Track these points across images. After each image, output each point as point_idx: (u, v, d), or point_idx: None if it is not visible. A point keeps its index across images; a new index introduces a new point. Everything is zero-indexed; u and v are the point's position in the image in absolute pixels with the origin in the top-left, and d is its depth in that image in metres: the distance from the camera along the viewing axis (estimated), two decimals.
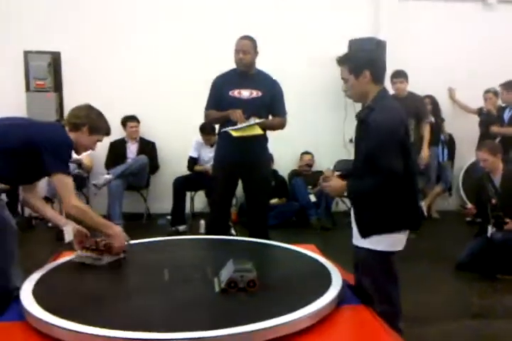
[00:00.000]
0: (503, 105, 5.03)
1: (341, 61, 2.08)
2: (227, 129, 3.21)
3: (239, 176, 3.47)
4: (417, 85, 4.96)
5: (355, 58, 2.07)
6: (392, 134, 1.93)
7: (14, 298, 1.79)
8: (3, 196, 2.32)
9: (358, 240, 2.09)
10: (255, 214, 3.55)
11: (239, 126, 3.16)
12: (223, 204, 3.56)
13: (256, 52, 3.35)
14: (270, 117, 3.43)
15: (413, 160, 2.09)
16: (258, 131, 3.21)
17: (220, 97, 3.36)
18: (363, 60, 2.05)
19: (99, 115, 2.23)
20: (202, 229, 4.47)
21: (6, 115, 4.83)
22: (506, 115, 4.90)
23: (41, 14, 4.98)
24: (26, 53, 4.94)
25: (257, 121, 3.21)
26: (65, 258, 2.22)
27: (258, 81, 3.37)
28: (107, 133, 2.28)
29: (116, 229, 2.18)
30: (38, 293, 1.74)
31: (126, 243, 2.19)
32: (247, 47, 3.28)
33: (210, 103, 3.44)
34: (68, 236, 2.25)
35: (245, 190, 3.58)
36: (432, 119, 5.16)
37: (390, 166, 1.90)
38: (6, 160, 2.04)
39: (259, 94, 3.34)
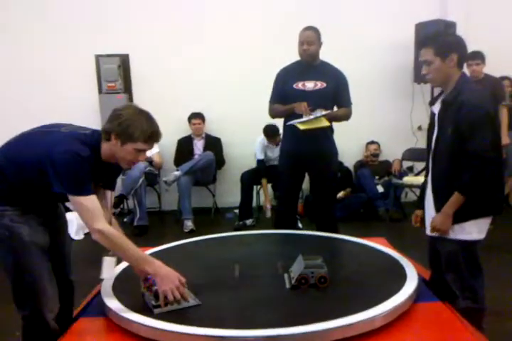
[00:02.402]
0: None
1: (427, 42, 2.00)
2: (293, 122, 3.18)
3: (305, 169, 3.45)
4: (493, 67, 4.66)
5: (443, 40, 2.01)
6: (485, 116, 1.88)
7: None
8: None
9: None
10: (322, 207, 3.51)
11: (305, 118, 3.13)
12: (290, 198, 3.54)
13: (320, 43, 3.31)
14: (335, 108, 3.37)
15: (500, 141, 1.99)
16: (324, 123, 3.16)
17: (284, 90, 3.35)
18: (452, 42, 1.99)
19: (135, 117, 1.73)
20: (268, 214, 4.54)
21: (81, 116, 5.10)
22: None
23: (109, 18, 5.17)
24: (97, 57, 5.17)
25: (323, 113, 3.15)
26: (146, 252, 2.25)
27: (322, 72, 3.33)
28: (148, 139, 1.75)
29: (158, 267, 1.69)
30: (118, 289, 1.81)
31: (178, 287, 1.64)
32: (311, 38, 3.24)
33: (274, 96, 3.43)
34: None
35: (312, 183, 3.56)
36: (510, 102, 4.84)
37: (482, 149, 1.85)
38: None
39: (324, 85, 3.29)
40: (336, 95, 3.33)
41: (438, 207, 2.01)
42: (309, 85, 3.29)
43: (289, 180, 3.47)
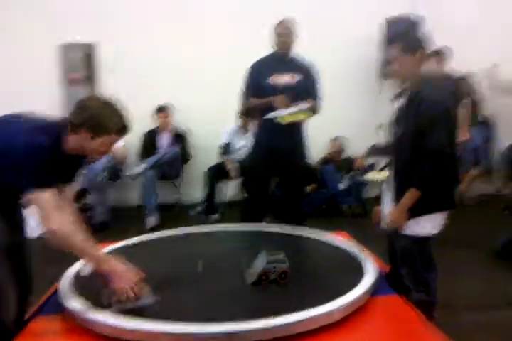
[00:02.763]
0: None
1: (395, 39, 2.06)
2: (275, 115, 3.13)
3: (278, 163, 3.42)
4: (457, 63, 4.78)
5: (410, 37, 2.05)
6: (445, 112, 1.94)
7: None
8: None
9: None
10: (292, 202, 3.54)
11: (288, 111, 3.10)
12: (261, 191, 3.55)
13: (296, 35, 3.32)
14: (307, 102, 3.31)
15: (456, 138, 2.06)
16: (304, 116, 3.16)
17: (258, 84, 3.32)
18: (418, 39, 2.02)
19: (105, 110, 1.69)
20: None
21: (42, 106, 4.96)
22: None
23: (75, 7, 5.02)
24: (61, 46, 5.02)
25: (306, 105, 3.16)
26: (106, 247, 2.21)
27: (296, 65, 3.35)
28: (121, 130, 1.72)
29: (114, 264, 1.65)
30: (76, 286, 1.78)
31: (135, 285, 1.62)
32: (289, 29, 3.27)
33: (249, 91, 3.39)
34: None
35: (283, 177, 3.56)
36: (470, 99, 4.98)
37: (439, 145, 1.90)
38: None
39: (298, 78, 3.31)
40: (308, 88, 3.35)
41: (397, 202, 2.07)
42: (285, 78, 3.30)
43: (261, 173, 3.47)
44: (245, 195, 4.33)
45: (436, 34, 4.85)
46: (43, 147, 1.61)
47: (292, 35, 3.29)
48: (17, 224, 1.93)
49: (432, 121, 1.92)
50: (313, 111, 3.34)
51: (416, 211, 2.00)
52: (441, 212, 2.05)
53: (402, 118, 2.09)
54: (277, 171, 3.49)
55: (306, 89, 3.33)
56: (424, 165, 1.94)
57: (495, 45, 5.23)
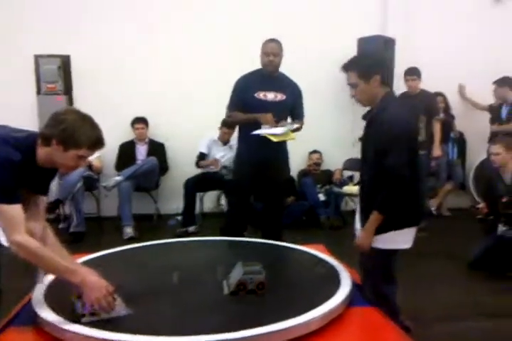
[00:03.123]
0: (499, 102, 5.01)
1: (350, 66, 2.07)
2: (263, 133, 3.16)
3: (260, 175, 3.46)
4: (427, 82, 4.92)
5: (364, 63, 2.08)
6: (402, 133, 1.96)
7: None
8: None
9: None
10: (272, 214, 3.58)
11: (279, 131, 3.14)
12: (244, 204, 3.59)
13: (282, 55, 3.38)
14: (289, 120, 3.45)
15: (418, 157, 2.10)
16: (292, 136, 3.25)
17: (243, 98, 3.38)
18: (372, 64, 2.06)
19: (80, 123, 1.66)
20: None
21: (18, 118, 4.89)
22: (503, 112, 4.91)
23: (50, 18, 5.01)
24: (37, 57, 4.99)
25: (295, 126, 3.27)
26: (81, 258, 2.18)
27: (281, 84, 3.43)
28: (93, 146, 1.69)
29: (84, 276, 1.62)
30: (49, 297, 1.75)
31: (107, 296, 1.60)
32: (276, 49, 3.33)
33: (234, 104, 3.43)
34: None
35: (264, 189, 3.59)
36: (442, 116, 5.12)
37: (397, 167, 1.93)
38: None
39: (283, 97, 3.40)
40: (293, 107, 3.45)
41: (363, 223, 2.10)
42: (270, 96, 3.38)
43: (244, 186, 3.51)
44: (226, 208, 4.37)
45: (405, 54, 5.12)
46: (13, 161, 1.60)
47: (279, 55, 3.34)
48: None
49: (390, 142, 1.95)
50: (299, 130, 3.43)
51: (381, 228, 2.03)
52: (409, 228, 2.09)
53: (365, 137, 2.14)
54: (259, 183, 3.53)
55: (292, 108, 3.43)
56: (384, 188, 1.97)
57: (460, 66, 5.41)
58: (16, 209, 1.60)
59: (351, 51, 5.17)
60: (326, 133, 5.52)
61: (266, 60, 3.33)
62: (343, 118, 5.48)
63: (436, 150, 4.83)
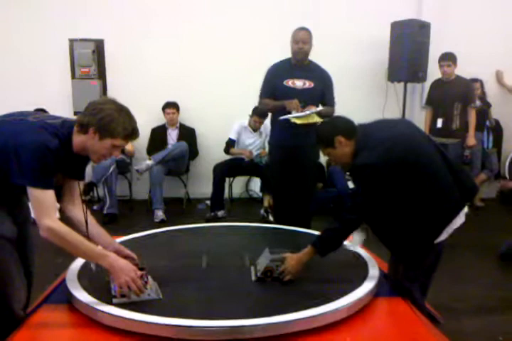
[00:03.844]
0: None
1: (317, 141, 2.11)
2: (288, 117, 3.29)
3: (292, 161, 3.57)
4: (464, 68, 4.78)
5: (321, 134, 2.09)
6: (369, 175, 1.86)
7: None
8: None
9: None
10: (301, 200, 3.63)
11: (301, 114, 3.26)
12: (283, 190, 3.67)
13: (312, 43, 3.46)
14: (320, 106, 3.50)
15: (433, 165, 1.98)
16: (317, 119, 3.31)
17: (273, 86, 3.48)
18: (327, 131, 2.06)
19: (117, 114, 1.70)
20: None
21: (52, 102, 4.98)
22: None
23: (84, 2, 5.06)
24: (71, 41, 5.05)
25: (318, 109, 3.33)
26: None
27: (311, 72, 3.51)
28: (128, 136, 1.74)
29: (112, 261, 1.67)
30: (83, 277, 1.81)
31: (134, 279, 1.64)
32: (306, 37, 3.41)
33: (265, 91, 3.55)
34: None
35: (295, 175, 3.66)
36: (478, 104, 4.97)
37: (351, 209, 1.92)
38: None
39: (312, 84, 3.48)
40: (322, 95, 3.51)
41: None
42: (298, 83, 3.46)
43: (280, 170, 3.62)
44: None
45: (441, 39, 4.96)
46: (50, 148, 1.63)
47: (308, 43, 3.42)
48: (23, 216, 1.95)
49: (357, 186, 1.98)
50: (329, 115, 3.43)
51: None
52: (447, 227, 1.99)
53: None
54: (291, 169, 3.62)
55: (318, 96, 3.50)
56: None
57: (498, 51, 5.24)
58: (48, 195, 1.64)
59: (385, 35, 5.07)
60: (356, 119, 5.42)
61: (296, 48, 3.41)
62: (374, 103, 5.38)
63: (471, 139, 4.69)
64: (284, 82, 3.44)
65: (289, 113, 3.31)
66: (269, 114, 3.90)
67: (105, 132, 1.69)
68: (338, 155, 2.03)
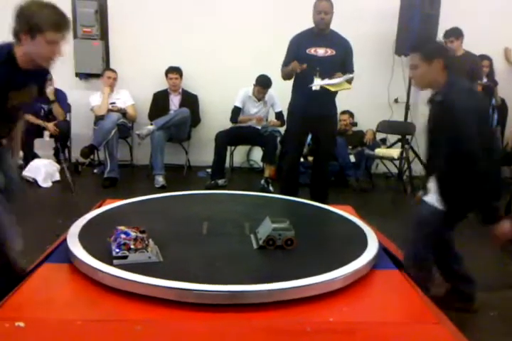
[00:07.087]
0: None
1: (414, 48, 2.13)
2: (322, 84, 3.43)
3: (311, 129, 3.80)
4: (471, 45, 4.68)
5: (428, 46, 2.12)
6: (473, 115, 1.95)
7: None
8: None
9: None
10: (320, 168, 3.85)
11: (334, 81, 3.41)
12: (296, 156, 3.88)
13: (333, 12, 3.57)
14: (348, 74, 3.60)
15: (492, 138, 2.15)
16: (348, 85, 3.48)
17: (296, 55, 3.63)
18: (436, 48, 2.12)
19: (37, 8, 1.65)
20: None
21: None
22: None
23: None
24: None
25: (350, 76, 3.50)
26: (110, 205, 2.27)
27: (332, 40, 3.65)
28: (56, 27, 1.68)
29: None
30: (84, 237, 1.82)
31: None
32: (327, 7, 3.55)
33: (287, 60, 3.70)
34: None
35: (314, 144, 3.89)
36: (485, 81, 4.90)
37: (472, 149, 1.94)
38: None
39: (333, 52, 3.62)
40: (342, 62, 3.66)
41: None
42: (320, 51, 3.62)
43: (295, 138, 3.83)
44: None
45: (451, 15, 4.82)
46: None
47: (330, 13, 3.55)
48: (6, 165, 1.95)
49: (458, 126, 1.95)
50: (351, 82, 3.62)
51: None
52: None
53: (431, 122, 2.13)
54: (308, 136, 3.90)
55: (339, 63, 3.62)
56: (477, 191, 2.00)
57: (508, 28, 5.15)
58: None
59: (393, 7, 4.93)
60: (361, 94, 5.33)
61: (318, 18, 3.55)
62: (380, 77, 5.31)
63: None
64: (307, 51, 3.60)
65: (309, 81, 3.43)
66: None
67: (33, 31, 1.66)
68: (426, 73, 2.05)
